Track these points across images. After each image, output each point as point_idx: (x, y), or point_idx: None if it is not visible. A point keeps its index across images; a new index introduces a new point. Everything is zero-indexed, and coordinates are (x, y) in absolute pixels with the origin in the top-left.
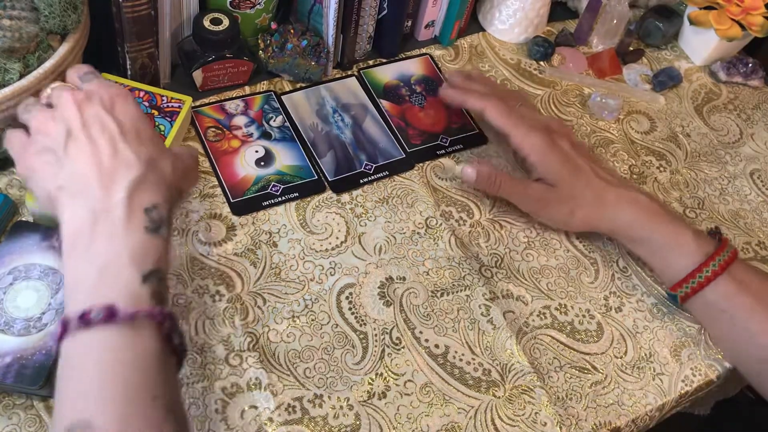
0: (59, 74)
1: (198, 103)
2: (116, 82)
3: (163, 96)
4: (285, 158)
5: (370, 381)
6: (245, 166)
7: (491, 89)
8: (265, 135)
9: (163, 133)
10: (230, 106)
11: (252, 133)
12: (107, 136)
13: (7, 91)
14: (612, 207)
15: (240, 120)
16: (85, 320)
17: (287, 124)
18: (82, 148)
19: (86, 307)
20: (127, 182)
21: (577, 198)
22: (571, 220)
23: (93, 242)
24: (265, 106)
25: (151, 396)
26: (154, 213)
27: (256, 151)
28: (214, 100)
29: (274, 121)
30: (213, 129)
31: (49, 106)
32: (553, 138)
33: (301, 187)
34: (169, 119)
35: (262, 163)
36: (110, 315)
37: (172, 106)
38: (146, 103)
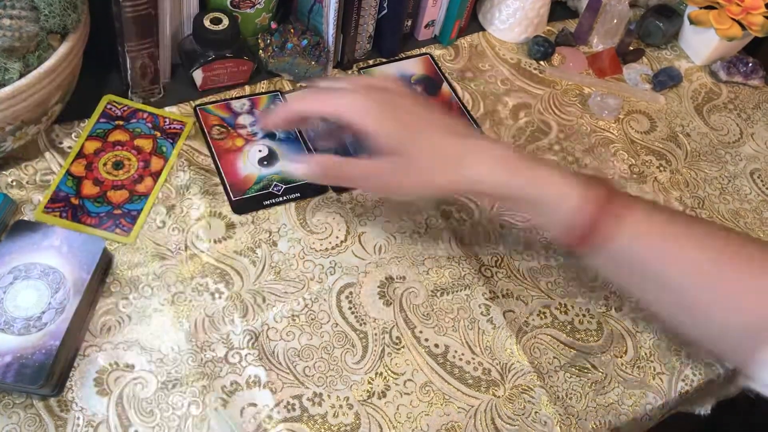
0: (59, 74)
1: (205, 100)
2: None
3: (165, 118)
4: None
5: (369, 380)
6: (248, 164)
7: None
8: (270, 134)
9: (164, 154)
10: (236, 104)
11: (256, 132)
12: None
13: (7, 90)
14: (468, 164)
15: (245, 119)
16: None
17: None
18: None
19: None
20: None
21: (428, 162)
22: (430, 188)
23: None
24: (271, 106)
25: None
26: None
27: (260, 151)
28: (220, 98)
29: None
30: (218, 127)
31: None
32: (373, 97)
33: (303, 188)
34: (171, 141)
35: (265, 163)
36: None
37: (174, 128)
38: (149, 124)
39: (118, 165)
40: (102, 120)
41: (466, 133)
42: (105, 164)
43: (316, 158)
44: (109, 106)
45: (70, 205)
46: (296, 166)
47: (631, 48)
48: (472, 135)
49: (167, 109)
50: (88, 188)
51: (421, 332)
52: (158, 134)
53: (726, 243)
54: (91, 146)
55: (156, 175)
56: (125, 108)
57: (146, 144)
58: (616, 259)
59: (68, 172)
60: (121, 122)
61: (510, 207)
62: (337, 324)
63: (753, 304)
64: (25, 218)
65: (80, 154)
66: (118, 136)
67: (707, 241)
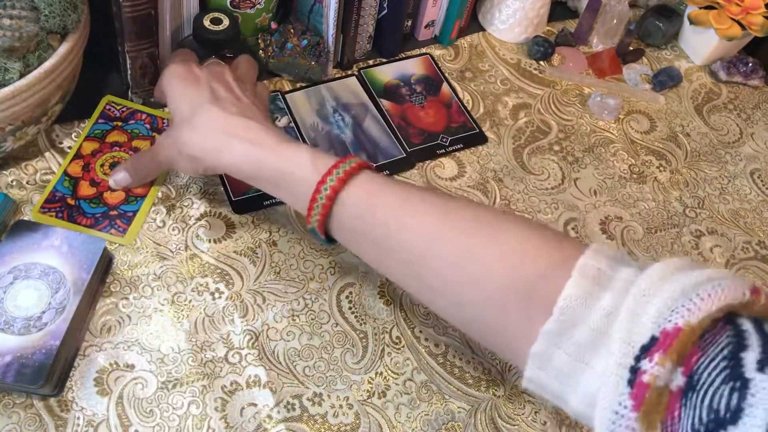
0: (59, 74)
1: None
2: None
3: (164, 119)
4: None
5: (369, 380)
6: None
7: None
8: None
9: None
10: None
11: None
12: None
13: (7, 90)
14: (216, 143)
15: None
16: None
17: (293, 124)
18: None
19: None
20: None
21: (183, 131)
22: (182, 161)
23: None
24: (271, 107)
25: None
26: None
27: None
28: None
29: (280, 121)
30: None
31: None
32: (189, 67)
33: None
34: None
35: None
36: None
37: None
38: (147, 126)
39: (115, 166)
40: (100, 121)
41: (236, 110)
42: (102, 165)
43: (124, 163)
44: (108, 107)
45: (66, 205)
46: (118, 178)
47: (631, 48)
48: (241, 113)
49: (166, 110)
50: (85, 189)
51: (420, 332)
52: (156, 135)
53: (461, 209)
54: (89, 147)
55: None
56: (124, 109)
57: (144, 145)
58: (348, 226)
59: (65, 173)
60: (119, 123)
61: (263, 187)
62: (337, 324)
63: (495, 265)
64: (25, 218)
65: (78, 155)
66: (116, 137)
67: (439, 207)
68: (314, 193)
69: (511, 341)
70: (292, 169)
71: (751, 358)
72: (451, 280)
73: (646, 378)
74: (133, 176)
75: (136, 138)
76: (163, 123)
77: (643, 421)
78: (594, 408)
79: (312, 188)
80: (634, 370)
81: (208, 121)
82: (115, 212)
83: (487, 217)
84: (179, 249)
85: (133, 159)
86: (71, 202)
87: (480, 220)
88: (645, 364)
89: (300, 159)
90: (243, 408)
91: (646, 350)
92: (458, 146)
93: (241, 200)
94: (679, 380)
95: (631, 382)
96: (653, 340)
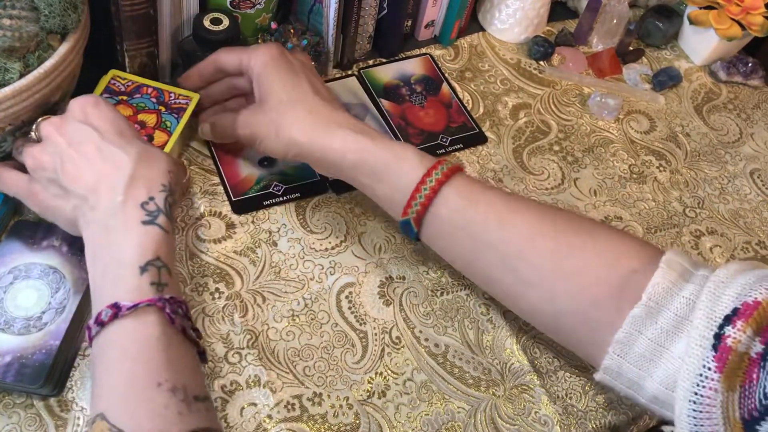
0: (59, 74)
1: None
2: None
3: (170, 92)
4: None
5: (369, 380)
6: (248, 165)
7: None
8: None
9: (168, 129)
10: None
11: None
12: (91, 143)
13: (7, 90)
14: (323, 131)
15: None
16: (99, 322)
17: None
18: (75, 163)
19: (99, 311)
20: (122, 182)
21: (286, 115)
22: (276, 142)
23: (102, 249)
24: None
25: (155, 383)
26: (150, 204)
27: None
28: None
29: None
30: None
31: (39, 141)
32: (284, 52)
33: (303, 188)
34: (176, 116)
35: (266, 163)
36: (115, 312)
37: (180, 103)
38: (154, 99)
39: None
40: (105, 95)
41: (333, 101)
42: None
43: (209, 114)
44: (113, 81)
45: None
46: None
47: (631, 48)
48: (338, 107)
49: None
50: None
51: (420, 332)
52: (163, 109)
53: (558, 212)
54: None
55: None
56: (129, 83)
57: (150, 119)
58: (447, 219)
59: None
60: (125, 97)
61: (356, 182)
62: (336, 324)
63: (592, 260)
64: (25, 218)
65: None
66: (121, 111)
67: (538, 207)
68: (419, 184)
69: (596, 332)
70: (399, 161)
71: None
72: (549, 273)
73: (729, 341)
74: (213, 134)
75: (141, 111)
76: (170, 96)
77: (725, 382)
78: (670, 390)
79: (416, 180)
80: (718, 336)
81: (318, 110)
82: None
83: (581, 220)
84: (179, 249)
85: (217, 118)
86: None
87: (575, 221)
88: (728, 330)
89: (407, 153)
90: (243, 408)
91: (728, 319)
92: (458, 146)
93: (241, 200)
94: (758, 347)
95: (715, 347)
96: (735, 310)
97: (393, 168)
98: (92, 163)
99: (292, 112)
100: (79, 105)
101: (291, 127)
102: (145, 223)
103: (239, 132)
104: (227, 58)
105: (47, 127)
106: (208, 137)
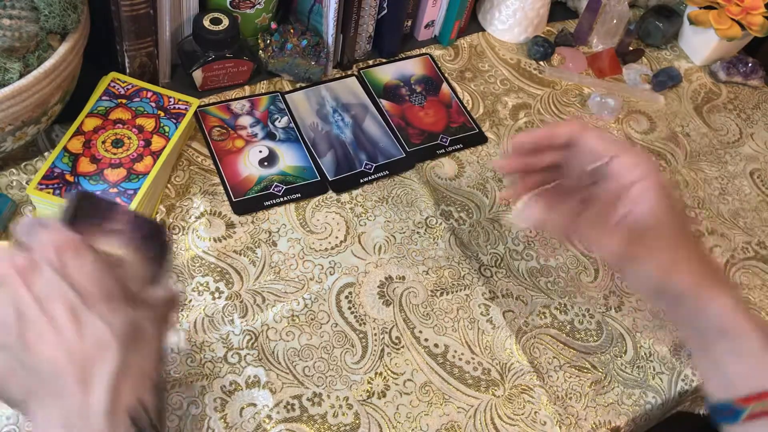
0: (59, 74)
1: (204, 102)
2: (64, 230)
3: (170, 97)
4: (289, 159)
5: (369, 380)
6: (248, 166)
7: None
8: (270, 135)
9: (167, 134)
10: (236, 106)
11: (257, 134)
12: (67, 308)
13: (7, 90)
14: (710, 282)
15: (245, 120)
16: None
17: (292, 125)
18: (41, 332)
19: None
20: (106, 376)
21: (681, 244)
22: (671, 273)
23: None
24: (271, 107)
25: None
26: (141, 415)
27: (260, 152)
28: (220, 100)
29: (280, 121)
30: (218, 128)
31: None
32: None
33: (304, 188)
34: (174, 121)
35: (266, 164)
36: None
37: (179, 108)
38: (153, 104)
39: (117, 143)
40: (104, 98)
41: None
42: (104, 142)
43: (549, 215)
44: (112, 84)
45: (64, 182)
46: (527, 215)
47: (631, 48)
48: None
49: None
50: (85, 165)
51: (420, 332)
52: (162, 114)
53: None
54: (91, 123)
55: (156, 155)
56: (129, 86)
57: (148, 123)
58: None
59: (65, 149)
60: (123, 100)
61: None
62: (336, 324)
63: None
64: (25, 218)
65: (79, 131)
66: (119, 114)
67: None
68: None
69: None
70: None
71: None
72: None
73: None
74: (537, 225)
75: (140, 116)
76: (169, 101)
77: None
78: None
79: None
80: None
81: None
82: (115, 189)
83: None
84: (179, 248)
85: (562, 217)
86: (70, 178)
87: None
88: None
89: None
90: (242, 408)
91: None
92: (458, 146)
93: (241, 200)
94: None
95: None
96: None
97: (727, 350)
98: (62, 335)
99: (683, 248)
100: (54, 246)
101: (682, 262)
102: None
103: (619, 255)
104: (596, 142)
105: (7, 268)
106: (522, 222)
